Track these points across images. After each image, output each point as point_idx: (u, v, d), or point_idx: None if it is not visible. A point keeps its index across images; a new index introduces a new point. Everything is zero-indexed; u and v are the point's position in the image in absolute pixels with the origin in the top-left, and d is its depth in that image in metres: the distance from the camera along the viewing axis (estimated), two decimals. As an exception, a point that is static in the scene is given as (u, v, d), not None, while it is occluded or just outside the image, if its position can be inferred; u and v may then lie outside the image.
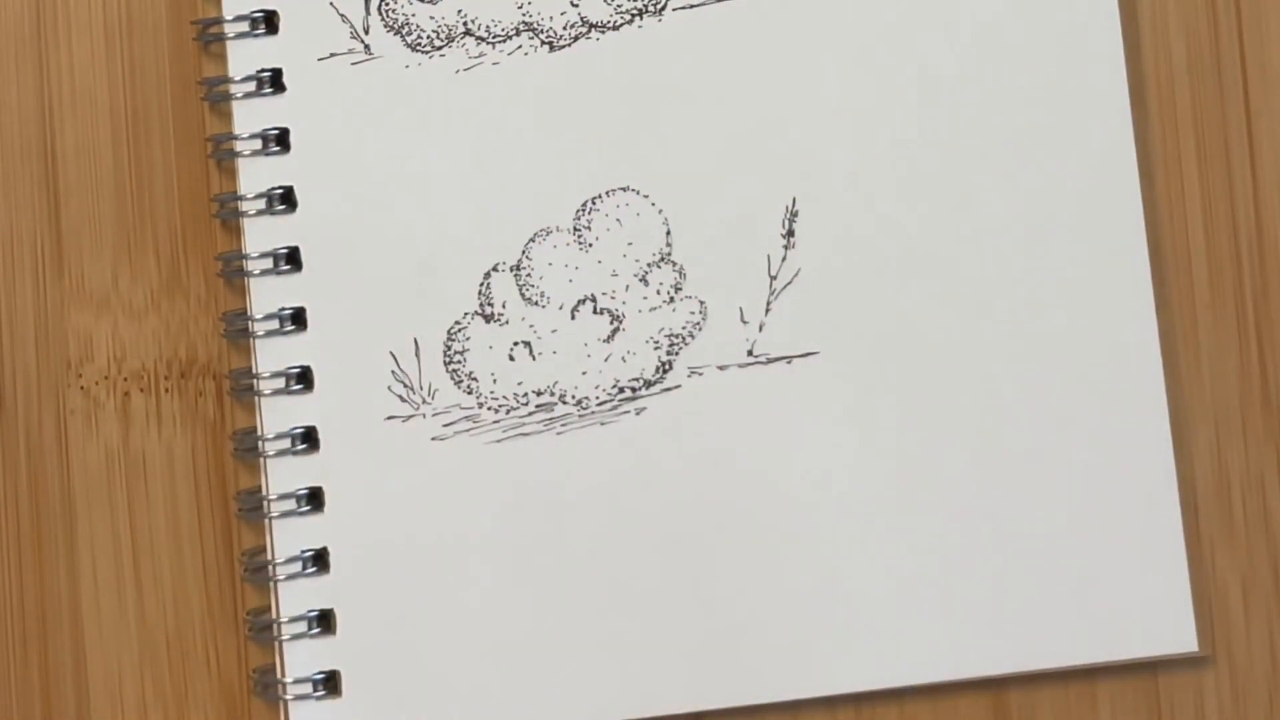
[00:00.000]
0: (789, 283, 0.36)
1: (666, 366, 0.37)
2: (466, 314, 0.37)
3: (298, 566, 0.37)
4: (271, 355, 0.37)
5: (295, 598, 0.37)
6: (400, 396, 0.37)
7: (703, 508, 0.36)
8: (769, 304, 0.36)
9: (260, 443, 0.37)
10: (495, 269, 0.37)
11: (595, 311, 0.37)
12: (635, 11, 0.37)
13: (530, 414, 0.37)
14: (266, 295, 0.37)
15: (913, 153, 0.36)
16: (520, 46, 0.37)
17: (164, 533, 0.38)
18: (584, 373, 0.37)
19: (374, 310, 0.37)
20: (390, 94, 0.37)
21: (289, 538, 0.37)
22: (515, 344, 0.37)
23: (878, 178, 0.36)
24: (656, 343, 0.37)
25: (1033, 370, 0.36)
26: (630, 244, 0.37)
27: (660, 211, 0.37)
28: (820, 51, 0.37)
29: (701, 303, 0.37)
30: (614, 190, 0.37)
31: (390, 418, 0.37)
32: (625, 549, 0.36)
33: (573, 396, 0.37)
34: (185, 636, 0.38)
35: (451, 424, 0.37)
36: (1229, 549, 0.36)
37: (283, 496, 0.37)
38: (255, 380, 0.37)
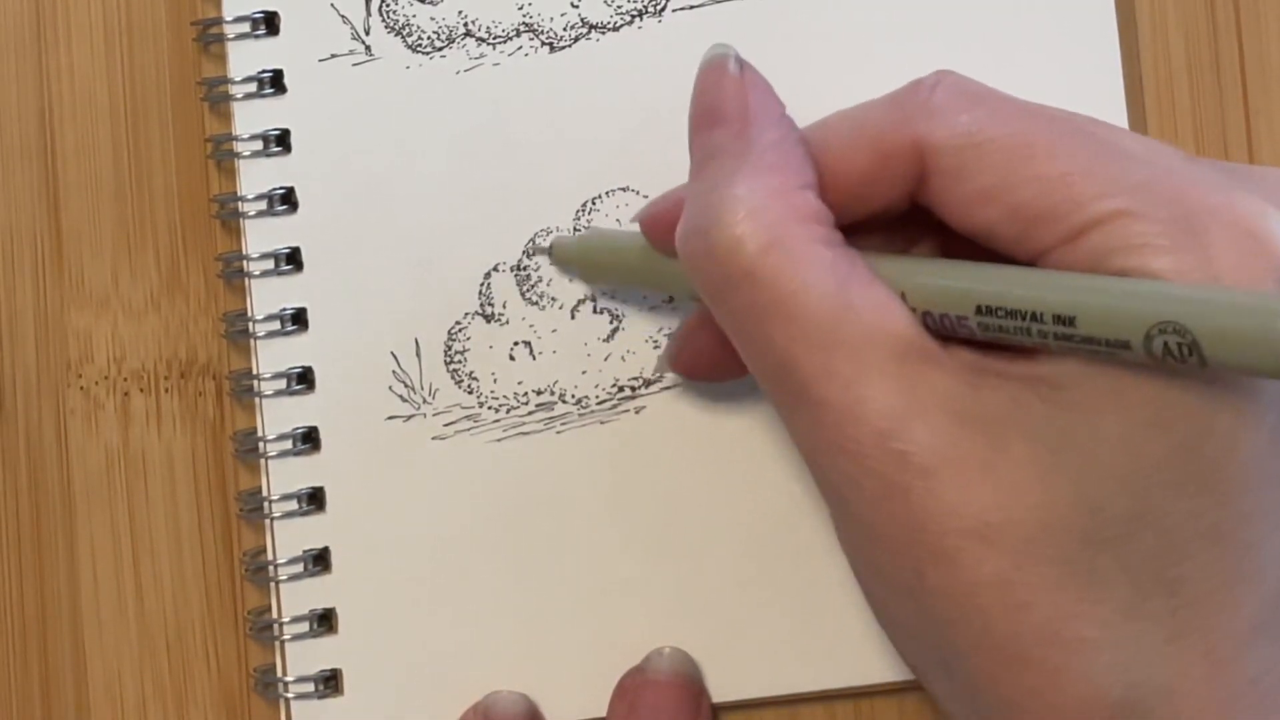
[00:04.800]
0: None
1: (666, 366, 0.37)
2: (467, 314, 0.37)
3: (299, 567, 0.37)
4: (272, 356, 0.37)
5: (297, 597, 0.37)
6: (401, 396, 0.37)
7: (702, 506, 0.36)
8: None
9: (261, 443, 0.37)
10: (495, 269, 0.37)
11: (595, 311, 0.37)
12: (635, 12, 0.37)
13: (530, 413, 0.37)
14: (267, 296, 0.37)
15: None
16: (520, 47, 0.37)
17: (164, 533, 0.38)
18: (584, 372, 0.37)
19: (375, 311, 0.37)
20: (391, 95, 0.37)
21: (290, 538, 0.37)
22: (515, 344, 0.37)
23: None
24: (656, 342, 0.37)
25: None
26: (630, 244, 0.37)
27: (660, 211, 0.37)
28: (820, 51, 0.37)
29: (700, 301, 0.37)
30: (614, 190, 0.37)
31: (391, 417, 0.37)
32: (625, 547, 0.36)
33: (573, 396, 0.37)
34: (185, 636, 0.38)
35: (452, 423, 0.37)
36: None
37: (284, 497, 0.37)
38: (256, 381, 0.37)
